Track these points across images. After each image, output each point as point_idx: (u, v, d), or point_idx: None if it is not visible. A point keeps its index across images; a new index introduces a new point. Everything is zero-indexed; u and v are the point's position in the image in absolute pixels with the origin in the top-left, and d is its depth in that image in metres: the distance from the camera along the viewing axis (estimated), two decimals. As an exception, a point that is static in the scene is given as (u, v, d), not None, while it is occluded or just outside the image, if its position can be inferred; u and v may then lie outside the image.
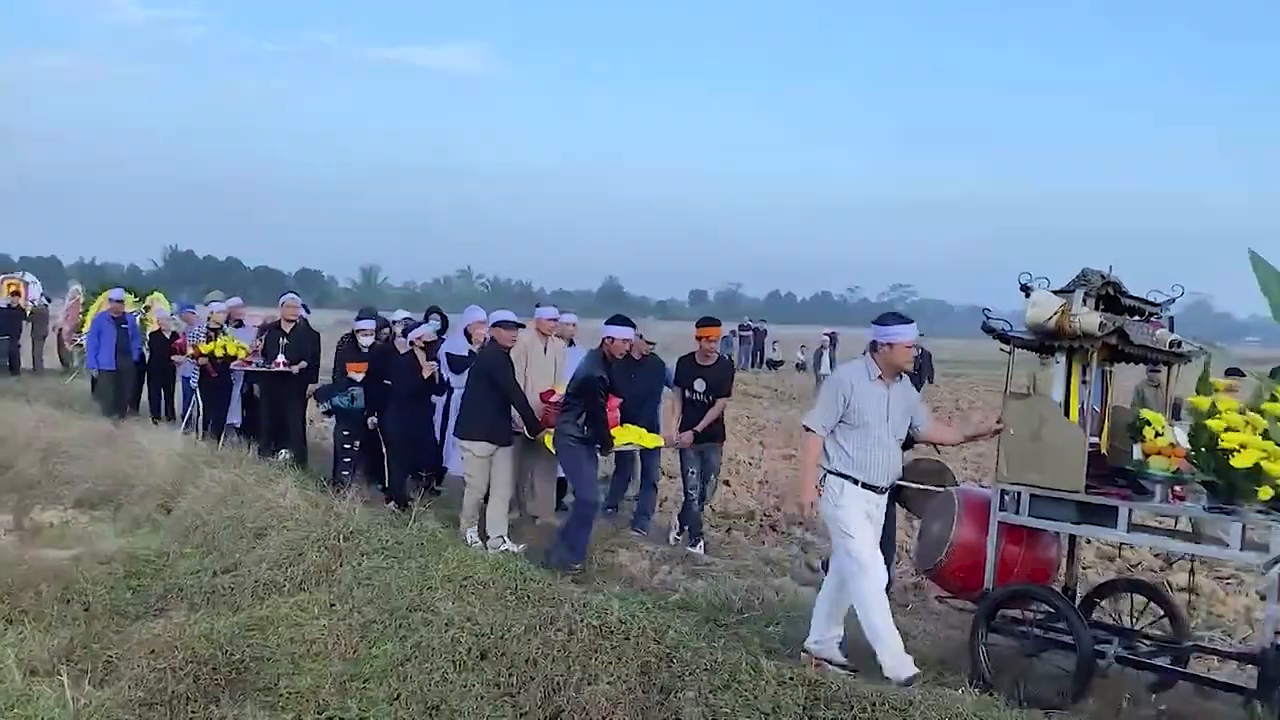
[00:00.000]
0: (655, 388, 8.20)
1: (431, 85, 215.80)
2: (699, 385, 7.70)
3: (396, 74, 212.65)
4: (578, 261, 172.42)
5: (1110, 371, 5.20)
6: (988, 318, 5.08)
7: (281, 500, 6.92)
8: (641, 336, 7.93)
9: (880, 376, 5.06)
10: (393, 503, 8.18)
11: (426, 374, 8.22)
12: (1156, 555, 7.74)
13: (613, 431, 7.08)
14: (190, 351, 10.69)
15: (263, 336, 10.29)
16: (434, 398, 8.76)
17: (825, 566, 6.29)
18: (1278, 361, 9.27)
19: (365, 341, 9.06)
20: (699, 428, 7.60)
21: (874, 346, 5.14)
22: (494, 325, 7.44)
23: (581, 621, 4.77)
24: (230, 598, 5.76)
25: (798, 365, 31.84)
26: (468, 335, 8.70)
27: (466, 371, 7.90)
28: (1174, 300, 5.14)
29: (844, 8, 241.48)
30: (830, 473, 5.09)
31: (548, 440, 7.28)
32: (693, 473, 7.74)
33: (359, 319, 9.37)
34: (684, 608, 5.95)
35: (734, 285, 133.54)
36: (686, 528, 7.92)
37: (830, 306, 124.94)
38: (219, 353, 10.38)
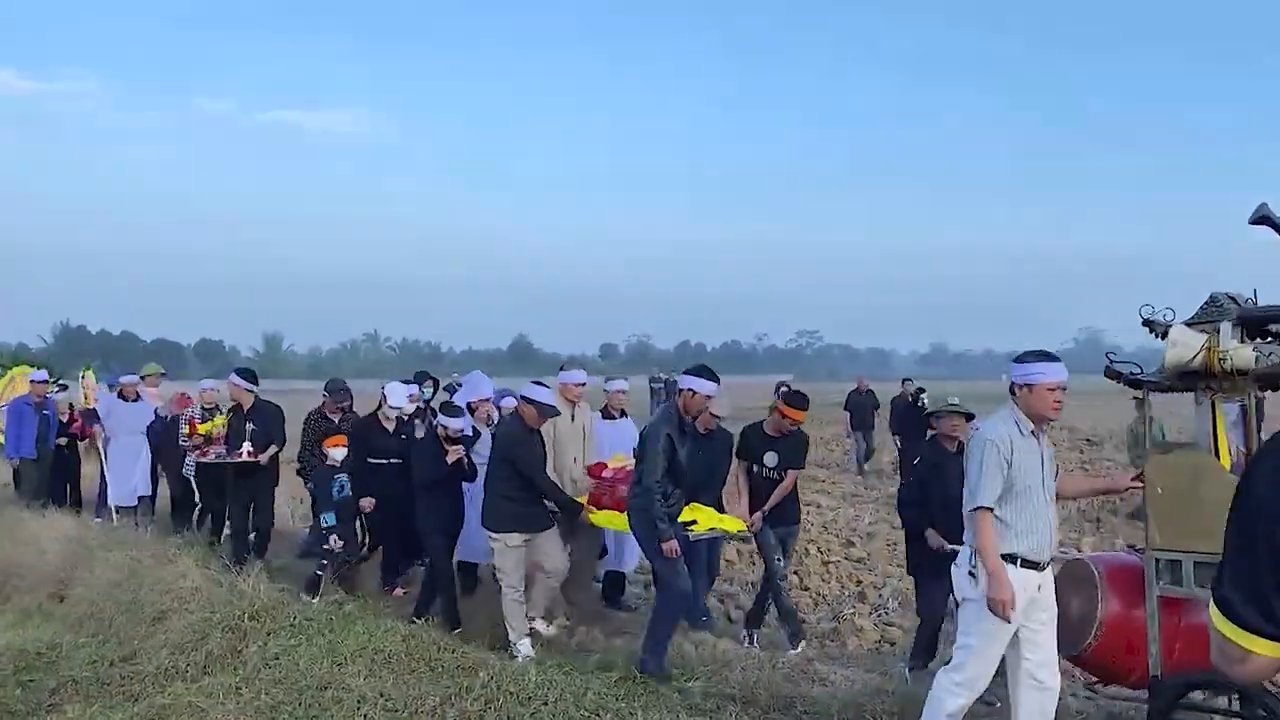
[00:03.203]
0: (722, 465, 6.98)
1: (321, 149, 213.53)
2: (770, 459, 6.74)
3: (285, 138, 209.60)
4: (485, 320, 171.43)
5: (1251, 405, 4.39)
6: (1111, 361, 4.44)
7: (182, 581, 6.68)
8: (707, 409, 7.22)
9: (1032, 431, 4.30)
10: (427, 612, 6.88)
11: (451, 459, 6.83)
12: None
13: (693, 515, 6.20)
14: (186, 430, 9.37)
15: (225, 419, 9.06)
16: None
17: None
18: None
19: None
20: (767, 507, 6.69)
21: (1012, 390, 4.36)
22: (524, 399, 6.47)
23: (499, 690, 4.70)
24: (129, 687, 5.50)
25: None
26: (470, 410, 7.56)
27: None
28: None
29: (742, 55, 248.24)
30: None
31: (596, 519, 6.60)
32: (778, 559, 6.82)
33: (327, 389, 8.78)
34: (603, 668, 5.88)
35: (644, 337, 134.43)
36: (785, 628, 6.85)
37: (740, 355, 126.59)
38: (214, 436, 9.10)
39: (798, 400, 6.83)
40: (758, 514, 6.68)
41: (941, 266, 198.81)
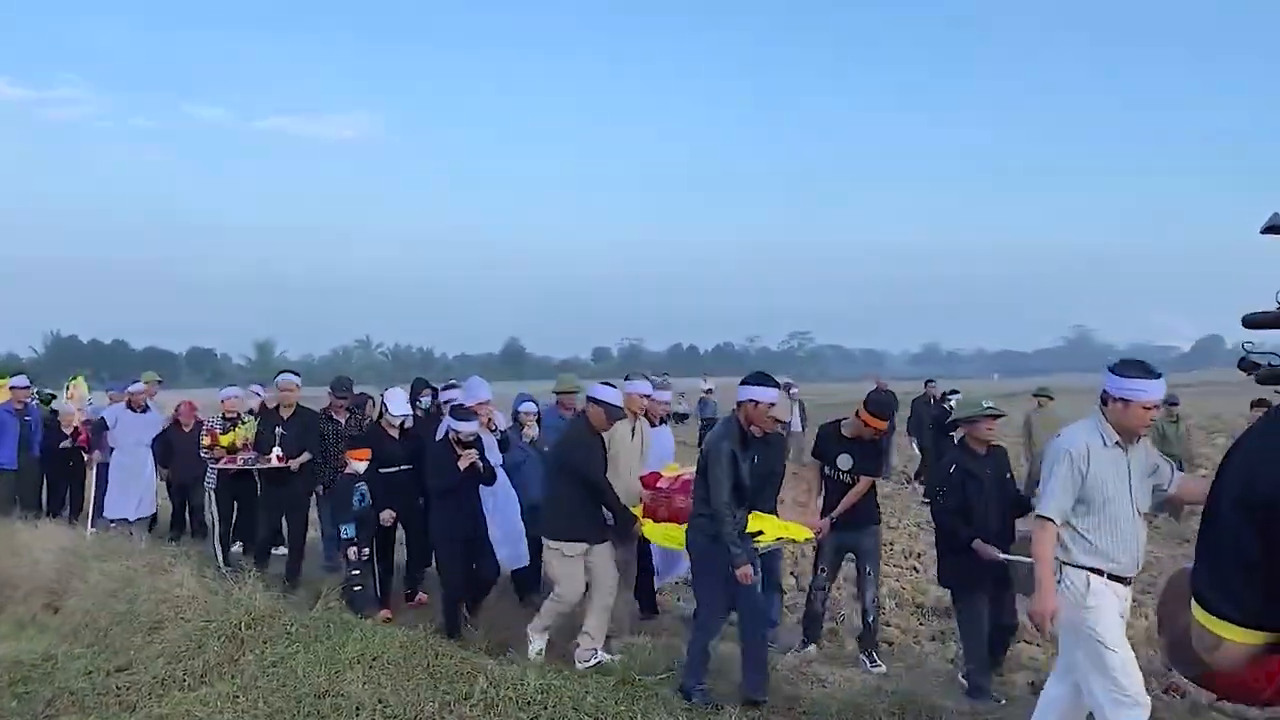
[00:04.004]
0: (777, 469, 6.74)
1: (316, 155, 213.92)
2: (844, 462, 6.47)
3: (278, 144, 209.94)
4: (477, 325, 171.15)
5: None
6: (1248, 353, 4.53)
7: (178, 590, 6.64)
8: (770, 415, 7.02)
9: (1118, 441, 4.16)
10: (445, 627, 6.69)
11: (464, 464, 6.73)
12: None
13: (759, 525, 5.88)
14: (206, 441, 9.03)
15: (255, 423, 8.86)
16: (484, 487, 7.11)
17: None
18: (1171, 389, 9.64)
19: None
20: (835, 513, 6.42)
21: (1104, 400, 4.20)
22: (592, 400, 6.25)
23: (498, 695, 4.69)
24: (125, 697, 5.47)
25: (675, 416, 30.79)
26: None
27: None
28: None
29: (730, 58, 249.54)
30: (1069, 565, 4.17)
31: (651, 532, 6.35)
32: (822, 570, 6.60)
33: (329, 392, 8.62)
34: (601, 672, 5.87)
35: (636, 340, 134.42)
36: (803, 627, 6.76)
37: (732, 357, 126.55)
38: (239, 445, 8.85)
39: (879, 409, 6.51)
40: (825, 520, 6.46)
41: (933, 266, 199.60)
